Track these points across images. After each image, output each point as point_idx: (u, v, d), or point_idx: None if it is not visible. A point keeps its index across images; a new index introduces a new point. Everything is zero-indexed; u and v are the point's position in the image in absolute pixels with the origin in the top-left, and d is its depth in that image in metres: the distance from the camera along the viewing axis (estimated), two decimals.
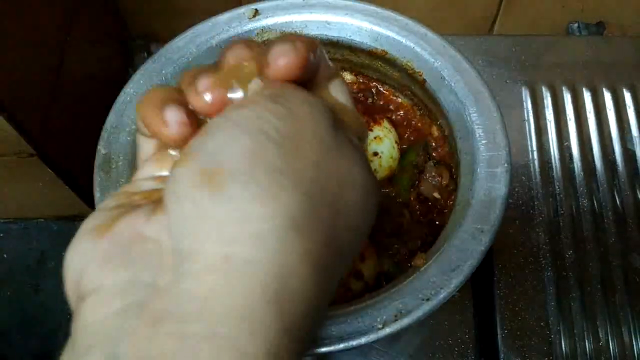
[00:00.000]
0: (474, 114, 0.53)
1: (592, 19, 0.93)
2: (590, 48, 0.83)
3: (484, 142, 0.51)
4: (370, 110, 0.60)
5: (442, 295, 0.45)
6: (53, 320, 0.84)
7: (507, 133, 0.52)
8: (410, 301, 0.45)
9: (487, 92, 0.54)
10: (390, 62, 0.60)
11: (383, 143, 0.58)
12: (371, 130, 0.58)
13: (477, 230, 0.47)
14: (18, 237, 0.90)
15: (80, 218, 0.90)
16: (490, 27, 0.97)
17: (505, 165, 0.50)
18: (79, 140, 0.81)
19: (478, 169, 0.50)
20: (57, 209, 0.88)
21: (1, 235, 0.90)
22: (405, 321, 0.44)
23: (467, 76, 0.55)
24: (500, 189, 0.49)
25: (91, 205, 0.86)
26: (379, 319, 0.44)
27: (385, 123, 0.60)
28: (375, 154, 0.58)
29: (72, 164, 0.78)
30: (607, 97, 0.78)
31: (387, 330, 0.44)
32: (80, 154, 0.81)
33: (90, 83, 0.86)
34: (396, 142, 0.60)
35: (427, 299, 0.45)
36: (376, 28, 0.59)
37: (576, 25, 0.91)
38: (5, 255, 0.88)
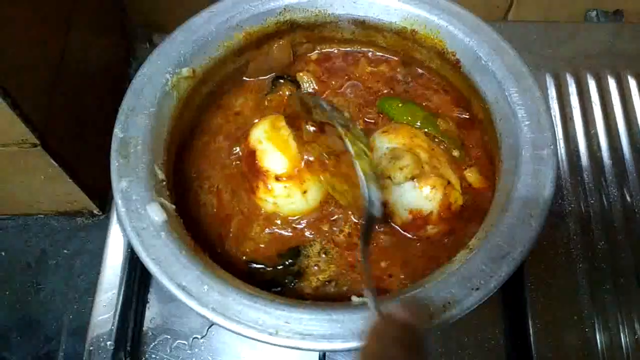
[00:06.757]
0: (515, 95, 0.50)
1: (609, 7, 0.91)
2: (612, 35, 0.80)
3: (527, 123, 0.49)
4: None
5: (493, 284, 0.42)
6: (55, 320, 0.80)
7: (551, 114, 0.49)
8: (459, 291, 0.42)
9: (528, 72, 0.51)
10: (420, 42, 0.57)
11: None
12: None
13: (527, 214, 0.44)
14: (17, 234, 0.85)
15: (82, 214, 0.86)
16: (504, 15, 0.95)
17: (552, 147, 0.47)
18: (82, 131, 0.77)
19: (523, 152, 0.47)
20: (58, 204, 0.84)
21: None
22: (454, 312, 0.41)
23: (506, 55, 0.52)
24: (548, 171, 0.46)
25: (95, 200, 0.82)
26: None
27: None
28: None
29: (76, 156, 0.74)
30: (632, 83, 0.75)
31: (436, 322, 0.41)
32: (84, 145, 0.77)
33: (92, 71, 0.82)
34: None
35: (477, 289, 0.42)
36: (405, 7, 0.56)
37: (594, 12, 0.89)
38: (3, 254, 0.84)
